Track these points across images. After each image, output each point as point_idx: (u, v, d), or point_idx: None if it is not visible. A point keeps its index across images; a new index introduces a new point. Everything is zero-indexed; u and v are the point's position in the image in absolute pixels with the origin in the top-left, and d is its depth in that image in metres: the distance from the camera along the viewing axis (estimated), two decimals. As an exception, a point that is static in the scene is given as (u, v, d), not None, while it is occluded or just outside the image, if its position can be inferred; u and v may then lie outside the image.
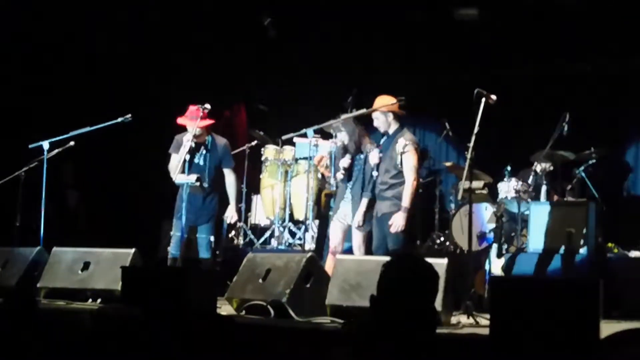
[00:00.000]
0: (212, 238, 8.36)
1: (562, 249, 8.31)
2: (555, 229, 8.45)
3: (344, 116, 8.21)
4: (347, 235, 8.33)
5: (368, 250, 8.07)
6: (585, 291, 5.32)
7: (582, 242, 8.48)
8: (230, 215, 8.59)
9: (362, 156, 8.16)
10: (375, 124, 7.99)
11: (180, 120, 8.25)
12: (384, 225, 7.76)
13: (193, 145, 8.16)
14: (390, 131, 7.93)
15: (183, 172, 8.06)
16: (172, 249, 8.28)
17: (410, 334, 3.35)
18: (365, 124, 8.27)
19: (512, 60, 10.82)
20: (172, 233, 8.34)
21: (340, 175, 8.22)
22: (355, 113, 8.24)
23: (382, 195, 7.83)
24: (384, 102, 7.93)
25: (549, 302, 5.43)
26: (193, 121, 8.16)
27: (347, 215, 8.19)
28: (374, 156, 7.96)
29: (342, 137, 8.21)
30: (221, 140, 8.48)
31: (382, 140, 8.06)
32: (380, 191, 7.86)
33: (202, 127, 8.18)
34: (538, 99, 10.52)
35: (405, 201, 7.67)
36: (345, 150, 8.22)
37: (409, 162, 7.74)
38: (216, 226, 10.42)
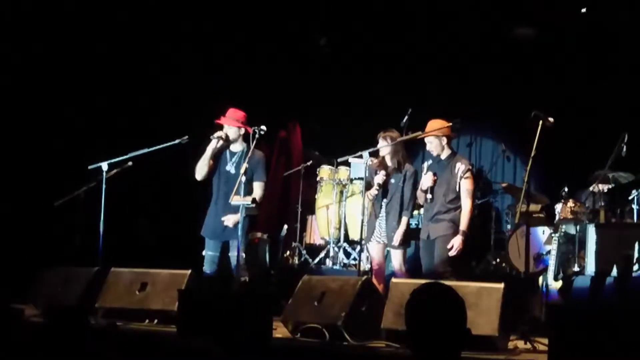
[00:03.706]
0: (243, 255, 8.07)
1: (621, 272, 8.18)
2: (613, 252, 8.33)
3: (399, 139, 8.21)
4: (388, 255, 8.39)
5: (409, 269, 8.15)
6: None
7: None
8: (227, 218, 8.06)
9: (400, 175, 8.18)
10: (429, 147, 8.00)
11: (218, 120, 8.27)
12: (436, 247, 7.79)
13: (219, 144, 8.15)
14: (443, 155, 7.95)
15: (237, 193, 7.98)
16: (207, 268, 8.22)
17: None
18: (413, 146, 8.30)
19: (569, 79, 10.71)
20: (204, 252, 8.26)
21: (374, 191, 8.19)
22: (410, 136, 8.25)
23: (437, 218, 7.84)
24: (437, 126, 7.92)
25: (609, 327, 5.37)
26: (229, 121, 8.21)
27: (382, 233, 8.21)
28: (427, 179, 7.94)
29: (384, 151, 8.20)
30: (257, 153, 8.21)
31: (429, 163, 8.05)
32: (435, 214, 7.86)
33: (235, 125, 8.16)
34: (596, 119, 10.38)
35: (464, 225, 7.75)
36: (381, 166, 8.22)
37: (468, 187, 7.81)
38: (272, 245, 10.51)
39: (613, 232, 8.51)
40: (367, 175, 8.26)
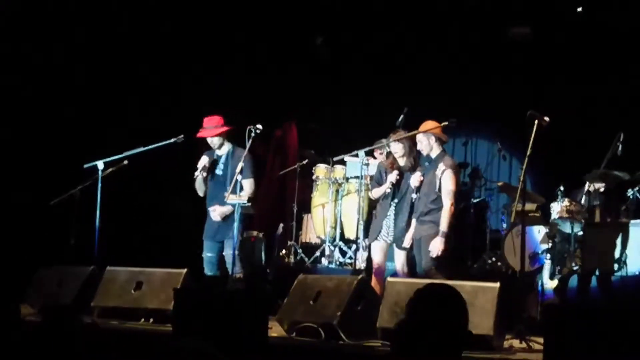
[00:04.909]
0: (236, 252, 8.11)
1: (615, 271, 8.20)
2: (608, 250, 8.35)
3: (394, 137, 8.19)
4: (389, 254, 8.35)
5: (411, 270, 8.10)
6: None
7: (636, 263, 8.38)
8: (214, 209, 8.33)
9: (411, 176, 8.15)
10: (419, 147, 8.00)
11: (199, 135, 8.40)
12: (421, 247, 7.79)
13: (211, 158, 8.34)
14: (433, 155, 7.94)
15: (234, 192, 8.02)
16: (207, 271, 8.37)
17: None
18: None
19: (565, 79, 10.73)
20: (203, 254, 8.42)
21: (387, 190, 8.15)
22: (401, 135, 8.20)
23: (421, 219, 7.85)
24: (428, 127, 7.92)
25: (605, 327, 5.38)
26: (209, 132, 8.33)
27: (390, 233, 8.18)
28: (415, 179, 7.95)
29: (397, 149, 8.17)
30: (241, 151, 8.29)
31: (426, 164, 8.06)
32: (420, 215, 7.86)
33: (216, 134, 8.30)
34: (592, 118, 10.40)
35: (443, 226, 7.66)
36: (393, 166, 8.20)
37: (447, 187, 7.73)
38: (268, 244, 10.50)
39: (596, 231, 8.53)
40: (375, 173, 8.26)
